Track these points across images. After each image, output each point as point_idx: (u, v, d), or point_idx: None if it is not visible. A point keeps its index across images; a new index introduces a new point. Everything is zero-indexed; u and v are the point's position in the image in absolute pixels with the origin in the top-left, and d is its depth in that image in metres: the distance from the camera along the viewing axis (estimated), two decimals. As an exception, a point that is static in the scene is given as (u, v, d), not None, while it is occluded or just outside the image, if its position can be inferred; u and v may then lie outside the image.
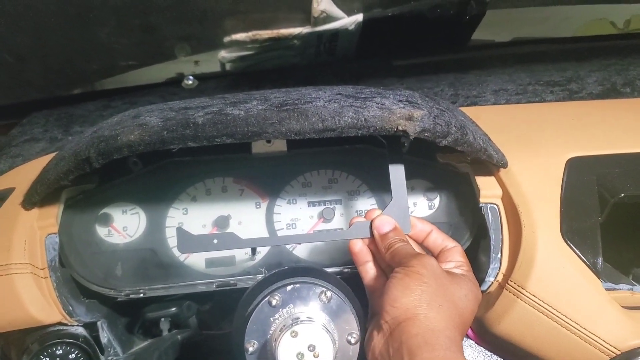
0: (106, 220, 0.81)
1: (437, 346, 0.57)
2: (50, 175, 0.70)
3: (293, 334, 0.60)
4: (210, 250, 0.71)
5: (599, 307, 0.72)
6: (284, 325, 0.61)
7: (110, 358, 0.76)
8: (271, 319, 0.63)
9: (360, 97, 0.68)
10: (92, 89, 1.16)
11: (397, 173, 0.74)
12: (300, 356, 0.60)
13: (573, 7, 1.30)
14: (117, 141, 0.63)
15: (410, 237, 0.75)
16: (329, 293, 0.65)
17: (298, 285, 0.65)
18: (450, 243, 0.74)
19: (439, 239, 0.75)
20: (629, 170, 0.79)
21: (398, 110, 0.65)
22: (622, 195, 0.75)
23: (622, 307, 0.72)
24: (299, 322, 0.61)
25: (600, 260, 0.74)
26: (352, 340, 0.65)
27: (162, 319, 0.85)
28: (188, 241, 0.70)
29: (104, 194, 0.82)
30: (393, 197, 0.73)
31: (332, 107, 0.64)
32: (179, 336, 0.83)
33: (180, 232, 0.70)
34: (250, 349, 0.63)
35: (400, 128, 0.64)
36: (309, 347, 0.60)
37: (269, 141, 0.84)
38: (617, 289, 0.75)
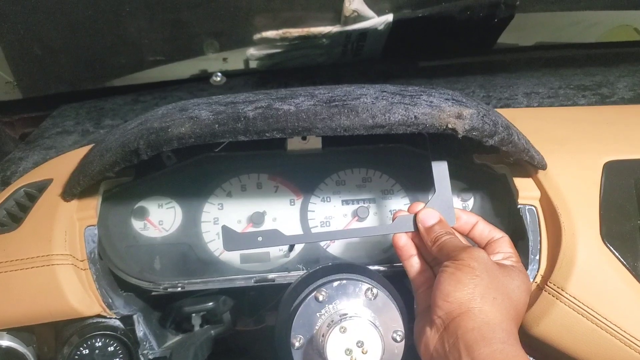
0: (142, 214, 0.81)
1: (494, 340, 0.56)
2: (94, 167, 0.69)
3: (342, 330, 0.60)
4: (255, 247, 0.70)
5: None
6: (332, 321, 0.61)
7: (146, 352, 0.75)
8: (317, 314, 0.63)
9: (406, 94, 0.68)
10: (120, 84, 1.16)
11: (440, 167, 0.74)
12: (348, 352, 0.60)
13: (599, 13, 1.30)
14: (168, 133, 0.63)
15: (455, 229, 0.74)
16: (375, 290, 0.64)
17: (345, 281, 0.64)
18: (498, 234, 0.73)
19: (485, 230, 0.74)
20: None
21: (448, 108, 0.64)
22: (663, 198, 0.75)
23: (662, 311, 0.73)
24: (347, 318, 0.61)
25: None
26: (398, 338, 0.64)
27: (194, 315, 0.85)
28: (233, 239, 0.69)
29: (140, 187, 0.82)
30: (436, 190, 0.73)
31: (381, 104, 0.64)
32: (212, 331, 0.83)
33: (226, 230, 0.69)
34: (297, 344, 0.63)
35: (450, 126, 0.64)
36: (357, 343, 0.60)
37: (304, 138, 0.84)
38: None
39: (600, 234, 0.75)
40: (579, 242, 0.74)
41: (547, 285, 0.74)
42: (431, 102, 0.66)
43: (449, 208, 0.73)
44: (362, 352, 0.60)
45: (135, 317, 0.76)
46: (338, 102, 0.65)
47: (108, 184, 0.79)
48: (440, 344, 0.60)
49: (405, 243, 0.72)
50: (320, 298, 0.63)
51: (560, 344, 0.74)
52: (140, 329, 0.76)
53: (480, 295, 0.60)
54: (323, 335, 0.60)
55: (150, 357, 0.75)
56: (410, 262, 0.72)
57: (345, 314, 0.62)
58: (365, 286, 0.65)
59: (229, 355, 0.87)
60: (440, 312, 0.60)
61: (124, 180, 0.80)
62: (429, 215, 0.71)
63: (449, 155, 0.84)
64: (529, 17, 1.25)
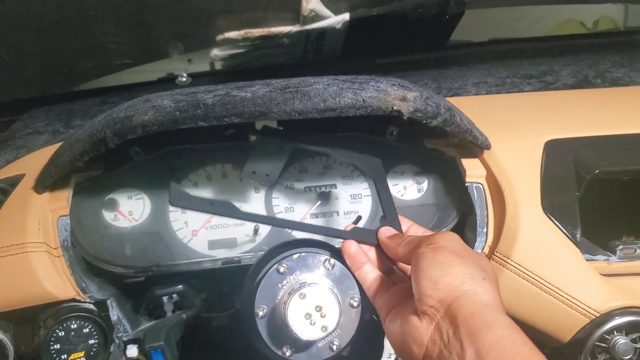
0: (112, 205, 0.85)
1: (497, 324, 0.53)
2: (65, 158, 0.73)
3: (301, 296, 0.64)
4: (202, 210, 0.70)
5: (579, 274, 0.78)
6: (292, 289, 0.66)
7: (120, 334, 0.79)
8: (279, 285, 0.68)
9: (356, 82, 0.74)
10: (89, 87, 1.19)
11: (383, 191, 0.75)
12: (308, 316, 0.64)
13: (546, 7, 1.39)
14: (132, 121, 0.67)
15: None
16: (332, 260, 0.69)
17: (304, 254, 0.69)
18: (430, 233, 0.71)
19: (419, 231, 0.74)
20: (602, 150, 0.85)
21: (393, 91, 0.70)
22: (597, 171, 0.81)
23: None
24: (306, 286, 0.65)
25: (579, 232, 0.80)
26: (355, 304, 0.69)
27: (166, 301, 0.88)
28: (181, 196, 0.69)
29: (110, 180, 0.85)
30: (385, 213, 0.74)
31: (332, 89, 0.69)
32: (184, 315, 0.86)
33: (174, 186, 0.69)
34: (260, 313, 0.67)
35: (395, 108, 0.70)
36: (316, 308, 0.65)
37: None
38: (595, 260, 0.81)
39: (542, 206, 0.81)
40: (522, 214, 0.80)
41: (494, 254, 0.80)
42: (378, 87, 0.71)
43: (396, 221, 0.74)
44: (321, 316, 0.65)
45: (108, 302, 0.79)
46: (292, 88, 0.70)
47: (79, 177, 0.83)
48: (437, 334, 0.56)
49: (356, 251, 0.70)
50: (282, 270, 0.68)
51: (508, 309, 0.79)
52: (114, 314, 0.79)
53: (470, 277, 0.57)
54: (285, 303, 0.65)
55: (124, 339, 0.79)
56: (363, 270, 0.69)
57: (305, 282, 0.66)
58: (323, 257, 0.69)
59: (199, 335, 0.90)
60: (432, 301, 0.57)
61: (94, 173, 0.84)
62: (387, 229, 0.71)
63: (403, 141, 0.90)
64: (480, 13, 1.33)
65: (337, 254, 0.71)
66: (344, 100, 0.68)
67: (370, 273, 0.69)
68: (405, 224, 0.75)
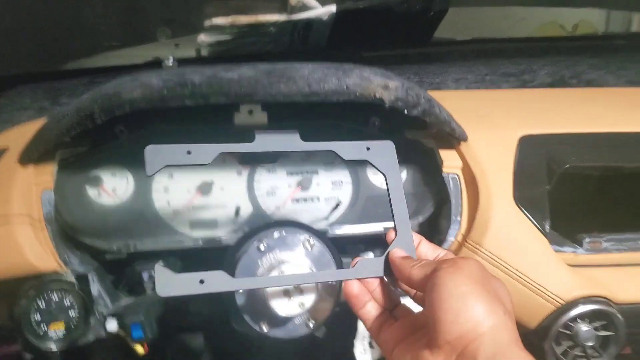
0: (96, 182, 0.86)
1: None
2: (52, 132, 0.75)
3: (281, 273, 0.67)
4: (195, 292, 0.60)
5: (547, 264, 0.81)
6: (272, 266, 0.68)
7: (100, 309, 0.81)
8: (258, 262, 0.70)
9: (340, 68, 0.76)
10: (76, 67, 1.20)
11: (397, 204, 0.71)
12: (286, 293, 0.67)
13: (528, 9, 1.42)
14: (120, 98, 0.69)
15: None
16: (312, 241, 0.72)
17: (284, 233, 0.71)
18: (442, 251, 0.69)
19: (429, 248, 0.69)
20: (573, 147, 0.89)
21: (376, 79, 0.73)
22: (568, 166, 0.85)
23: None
24: (285, 263, 0.68)
25: (548, 224, 0.84)
26: (332, 284, 0.72)
27: (146, 279, 0.90)
28: (169, 282, 0.61)
29: (95, 157, 0.87)
30: (398, 231, 0.69)
31: (317, 75, 0.71)
32: (163, 293, 0.88)
33: (160, 271, 0.61)
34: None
35: (377, 95, 0.72)
36: (294, 285, 0.67)
37: (250, 113, 0.91)
38: (562, 251, 0.85)
39: (514, 197, 0.84)
40: (494, 204, 0.83)
41: (466, 242, 0.83)
42: (362, 75, 0.74)
43: (409, 239, 0.69)
44: (299, 293, 0.67)
45: (89, 276, 0.81)
46: (278, 72, 0.72)
47: (64, 153, 0.84)
48: None
49: (359, 290, 0.65)
50: (262, 247, 0.70)
51: (478, 295, 0.82)
52: (95, 288, 0.81)
53: (493, 311, 0.53)
54: None
55: (104, 313, 0.81)
56: (365, 309, 0.65)
57: (284, 260, 0.69)
58: (303, 237, 0.72)
59: (179, 315, 0.92)
60: (450, 336, 0.52)
61: (79, 150, 0.85)
62: (398, 250, 0.66)
63: (384, 132, 0.92)
64: (463, 12, 1.36)
65: (316, 234, 0.73)
66: (328, 85, 0.70)
67: (372, 311, 0.65)
68: (415, 239, 0.70)
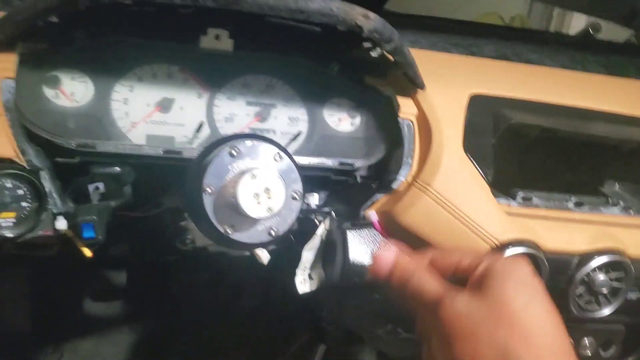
0: (54, 82, 0.84)
1: None
2: (23, 14, 0.72)
3: (252, 177, 0.68)
4: None
5: (487, 208, 0.88)
6: (244, 171, 0.69)
7: (51, 207, 0.78)
8: (229, 166, 0.71)
9: (326, -6, 0.79)
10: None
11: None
12: (256, 196, 0.68)
13: None
14: None
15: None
16: (282, 154, 0.74)
17: (256, 142, 0.73)
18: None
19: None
20: (517, 109, 0.97)
21: (358, 8, 0.76)
22: (512, 122, 0.92)
23: (502, 213, 0.90)
24: (257, 168, 0.69)
25: (491, 174, 0.91)
26: (297, 197, 0.74)
27: (92, 190, 0.88)
28: None
29: (55, 57, 0.84)
30: None
31: (304, -7, 0.74)
32: (112, 203, 0.86)
33: None
34: (209, 190, 0.70)
35: (357, 22, 0.75)
36: (264, 190, 0.69)
37: (217, 37, 0.91)
38: (499, 202, 0.92)
39: (463, 146, 0.90)
40: (445, 150, 0.89)
41: (416, 181, 0.88)
42: (345, 3, 0.77)
43: None
44: (268, 197, 0.69)
45: (43, 172, 0.78)
46: (266, -16, 0.73)
47: (25, 47, 0.81)
48: None
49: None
50: (234, 153, 0.71)
51: (421, 231, 0.87)
52: (47, 186, 0.78)
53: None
54: (235, 182, 0.69)
55: (54, 211, 0.79)
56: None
57: (255, 167, 0.70)
58: (274, 150, 0.74)
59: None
60: None
61: (40, 47, 0.82)
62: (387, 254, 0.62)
63: (344, 75, 0.96)
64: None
65: (286, 151, 0.76)
66: (313, 4, 0.73)
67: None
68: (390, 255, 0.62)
